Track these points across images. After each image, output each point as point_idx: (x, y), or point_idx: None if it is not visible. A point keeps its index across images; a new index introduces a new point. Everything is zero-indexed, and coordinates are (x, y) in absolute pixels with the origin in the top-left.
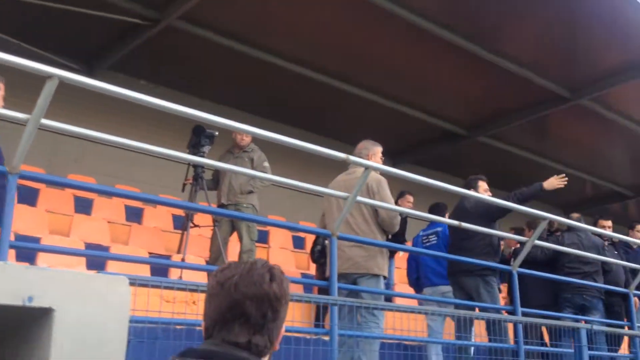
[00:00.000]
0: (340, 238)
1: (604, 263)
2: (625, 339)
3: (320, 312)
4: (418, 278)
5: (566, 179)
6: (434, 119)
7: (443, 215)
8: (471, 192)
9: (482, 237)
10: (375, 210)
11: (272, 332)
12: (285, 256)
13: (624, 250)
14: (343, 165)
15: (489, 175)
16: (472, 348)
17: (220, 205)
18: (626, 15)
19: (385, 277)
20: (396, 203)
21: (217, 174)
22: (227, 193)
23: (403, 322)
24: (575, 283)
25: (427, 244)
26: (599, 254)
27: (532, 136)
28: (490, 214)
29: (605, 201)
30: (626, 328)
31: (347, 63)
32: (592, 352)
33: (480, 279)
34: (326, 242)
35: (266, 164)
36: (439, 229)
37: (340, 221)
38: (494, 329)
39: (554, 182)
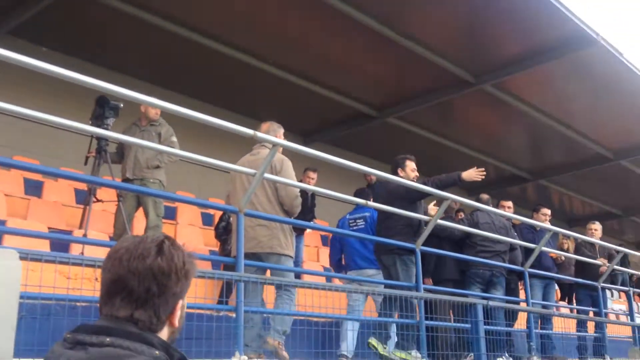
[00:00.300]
0: (247, 215)
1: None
2: (521, 314)
3: (224, 290)
4: (341, 260)
5: (484, 173)
6: (344, 99)
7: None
8: (375, 171)
9: (400, 217)
10: (277, 189)
11: (158, 308)
12: (193, 233)
13: (530, 231)
14: (254, 143)
15: (396, 156)
16: (393, 325)
17: (125, 180)
18: (528, 5)
19: (290, 256)
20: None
21: (122, 146)
22: (132, 167)
23: (314, 299)
24: (484, 260)
25: (355, 228)
26: (507, 234)
27: (438, 119)
28: (409, 196)
29: (506, 184)
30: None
31: (260, 40)
32: (489, 327)
33: (397, 257)
34: (231, 218)
35: (174, 138)
36: (367, 213)
37: (248, 197)
38: (405, 305)
39: (472, 174)
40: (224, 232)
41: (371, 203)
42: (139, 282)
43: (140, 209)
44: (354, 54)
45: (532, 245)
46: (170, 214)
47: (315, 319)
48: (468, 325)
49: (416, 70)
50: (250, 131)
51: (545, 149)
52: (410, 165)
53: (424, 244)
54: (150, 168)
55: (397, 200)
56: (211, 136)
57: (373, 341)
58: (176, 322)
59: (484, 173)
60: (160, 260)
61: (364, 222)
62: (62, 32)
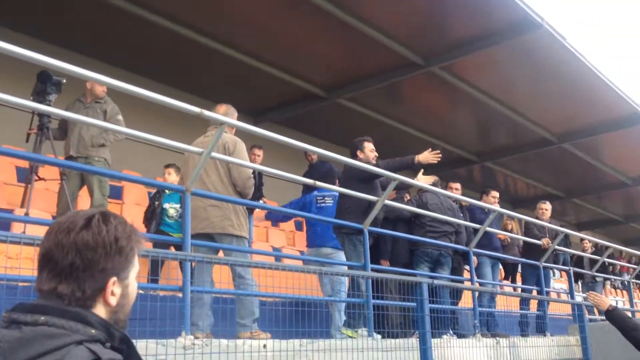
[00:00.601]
0: (194, 194)
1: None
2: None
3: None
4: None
5: (439, 155)
6: (294, 79)
7: (334, 182)
8: (324, 152)
9: (351, 197)
10: (229, 170)
11: (83, 282)
12: (140, 212)
13: (482, 212)
14: (203, 123)
15: (347, 137)
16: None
17: (69, 158)
18: None
19: (245, 237)
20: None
21: (65, 123)
22: (76, 145)
23: (261, 279)
24: (432, 240)
25: (322, 205)
26: (454, 215)
27: (388, 101)
28: (362, 176)
29: (454, 166)
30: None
31: (210, 18)
32: (434, 305)
33: (345, 237)
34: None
35: (120, 117)
36: (336, 192)
37: (195, 177)
38: (353, 284)
39: (427, 157)
40: (151, 216)
41: (319, 183)
42: (63, 256)
43: (85, 188)
44: (304, 34)
45: (477, 226)
46: (116, 194)
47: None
48: (414, 304)
49: (366, 52)
50: (196, 109)
51: (492, 132)
52: (369, 146)
53: (381, 226)
54: (95, 146)
55: (351, 180)
56: (158, 115)
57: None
58: (111, 301)
59: (440, 155)
60: (85, 233)
61: (332, 201)
62: (3, 5)
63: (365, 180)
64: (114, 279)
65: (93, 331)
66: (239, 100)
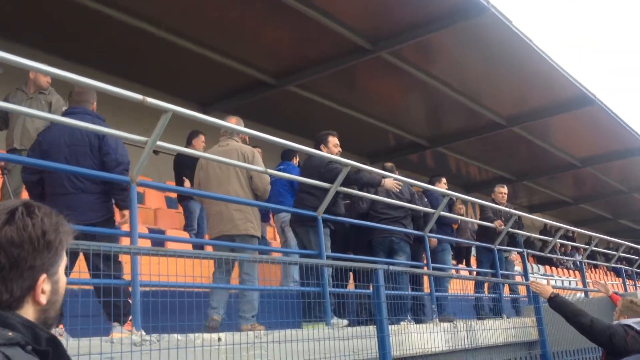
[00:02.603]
0: (139, 185)
1: (413, 210)
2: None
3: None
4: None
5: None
6: (242, 67)
7: (291, 159)
8: (272, 139)
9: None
10: (250, 177)
11: (11, 282)
12: None
13: (435, 198)
14: (154, 113)
15: (298, 125)
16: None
17: (12, 151)
18: None
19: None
20: (190, 143)
21: (6, 114)
22: (20, 137)
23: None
24: (384, 228)
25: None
26: (410, 201)
27: (338, 87)
28: (324, 176)
29: (406, 152)
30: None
31: (155, 7)
32: (390, 292)
33: (301, 227)
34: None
35: (65, 108)
36: (282, 166)
37: (139, 168)
38: (312, 273)
39: (393, 184)
40: None
41: (270, 171)
42: None
43: None
44: (251, 22)
45: (431, 210)
46: None
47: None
48: (370, 291)
49: (314, 38)
50: (139, 96)
51: (443, 117)
52: (333, 140)
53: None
54: None
55: (312, 175)
56: (104, 106)
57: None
58: (41, 299)
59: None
60: (9, 229)
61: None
62: None
63: (327, 180)
64: (44, 275)
65: (10, 333)
66: (187, 89)
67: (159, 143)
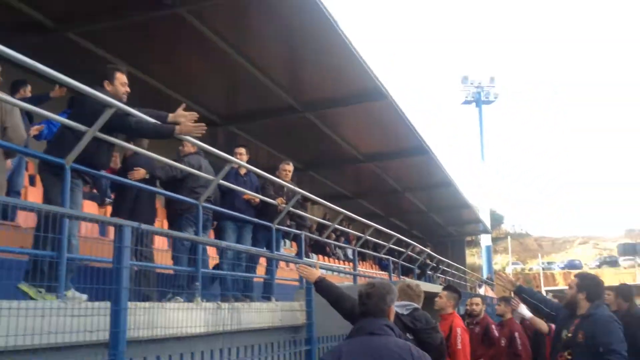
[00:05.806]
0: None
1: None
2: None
3: None
4: None
5: (204, 128)
6: (21, 5)
7: None
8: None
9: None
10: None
11: None
12: None
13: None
14: None
15: (78, 73)
16: None
17: None
18: None
19: None
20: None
21: None
22: None
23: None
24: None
25: None
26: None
27: (128, 43)
28: (112, 124)
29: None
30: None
31: None
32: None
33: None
34: None
35: None
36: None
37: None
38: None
39: (189, 128)
40: None
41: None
42: None
43: None
44: None
45: (211, 177)
46: None
47: None
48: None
49: None
50: None
51: (239, 94)
52: (121, 78)
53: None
54: None
55: (82, 117)
56: None
57: (23, 286)
58: None
59: (204, 128)
60: None
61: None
62: None
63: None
64: None
65: None
66: None
67: None
